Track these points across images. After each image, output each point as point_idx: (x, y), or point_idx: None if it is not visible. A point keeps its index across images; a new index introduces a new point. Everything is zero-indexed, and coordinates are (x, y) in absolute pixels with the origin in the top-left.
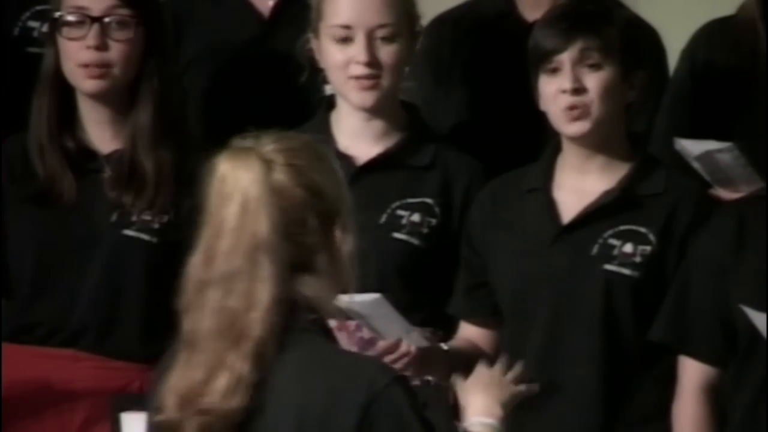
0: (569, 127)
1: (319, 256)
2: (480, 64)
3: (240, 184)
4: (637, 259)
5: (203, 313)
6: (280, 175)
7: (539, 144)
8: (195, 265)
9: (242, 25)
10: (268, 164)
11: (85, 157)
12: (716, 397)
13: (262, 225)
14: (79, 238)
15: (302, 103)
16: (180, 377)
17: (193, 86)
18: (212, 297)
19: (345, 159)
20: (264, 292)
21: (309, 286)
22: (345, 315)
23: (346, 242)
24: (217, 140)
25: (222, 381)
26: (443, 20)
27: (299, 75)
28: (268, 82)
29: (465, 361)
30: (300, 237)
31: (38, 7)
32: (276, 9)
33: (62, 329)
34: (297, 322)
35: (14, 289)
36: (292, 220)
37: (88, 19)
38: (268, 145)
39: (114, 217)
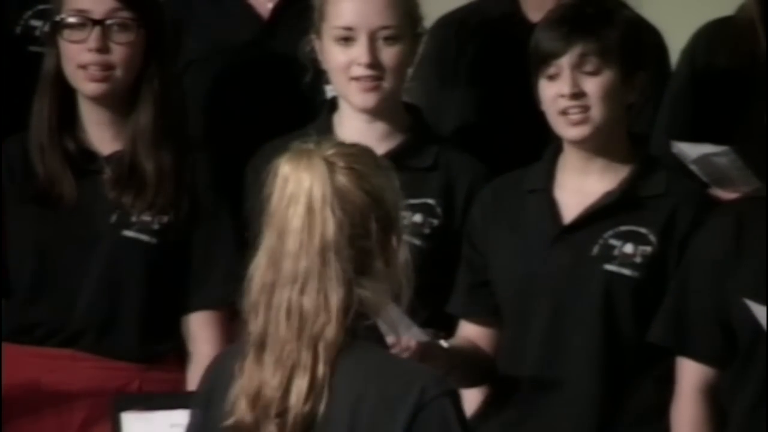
0: (568, 131)
1: (377, 262)
2: (484, 65)
3: (304, 185)
4: (638, 260)
5: (273, 314)
6: (343, 178)
7: (544, 144)
8: (259, 266)
9: (242, 27)
10: (330, 166)
11: (85, 158)
12: (715, 398)
13: (329, 225)
14: (78, 238)
15: (301, 105)
16: (251, 379)
17: (193, 88)
18: (283, 297)
19: None
20: (336, 294)
21: (367, 290)
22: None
23: (401, 251)
24: (217, 142)
25: (301, 383)
26: (448, 21)
27: (299, 77)
28: (268, 84)
29: (464, 360)
30: (360, 241)
31: (40, 7)
32: (275, 11)
33: (62, 329)
34: (358, 326)
35: (14, 290)
36: (354, 223)
37: (89, 21)
38: (329, 149)
39: (113, 218)
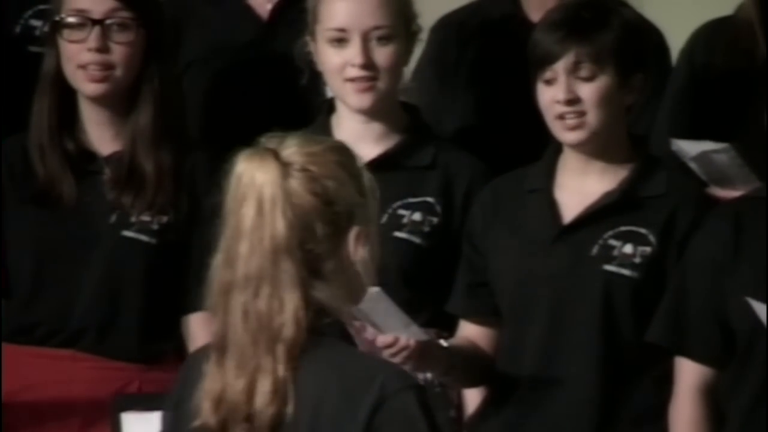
0: (565, 136)
1: (328, 264)
2: (485, 65)
3: (255, 184)
4: (637, 260)
5: (232, 316)
6: (294, 180)
7: (544, 144)
8: (217, 266)
9: (241, 28)
10: (284, 167)
11: (84, 159)
12: (713, 399)
13: (279, 227)
14: (78, 238)
15: (301, 106)
16: (213, 381)
17: (193, 88)
18: (239, 300)
19: None
20: (290, 295)
21: (321, 292)
22: (357, 320)
23: (359, 251)
24: (217, 142)
25: (265, 386)
26: (448, 22)
27: (298, 77)
28: (267, 85)
29: (464, 359)
30: (309, 244)
31: (40, 6)
32: (275, 12)
33: (62, 330)
34: (316, 325)
35: (14, 290)
36: (301, 226)
37: (89, 21)
38: (290, 147)
39: (113, 218)
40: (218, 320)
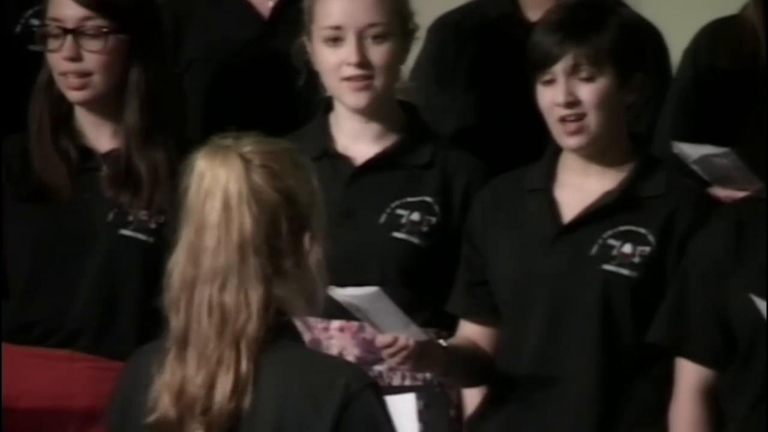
0: (566, 141)
1: (288, 262)
2: (484, 65)
3: (220, 180)
4: (636, 260)
5: (195, 311)
6: (257, 176)
7: (544, 144)
8: (179, 262)
9: (242, 26)
10: (246, 163)
11: (82, 156)
12: (713, 400)
13: (246, 222)
14: (75, 236)
15: (302, 104)
16: (173, 375)
17: (193, 87)
18: (204, 294)
19: (344, 159)
20: (256, 291)
21: (281, 290)
22: (312, 316)
23: (314, 252)
24: None
25: (226, 380)
26: (446, 22)
27: (298, 76)
28: (268, 83)
29: (463, 359)
30: (272, 240)
31: (40, 6)
32: (276, 10)
33: (59, 329)
34: (275, 323)
35: (11, 289)
36: (266, 220)
37: (62, 31)
38: (247, 146)
39: (111, 216)
40: (180, 314)
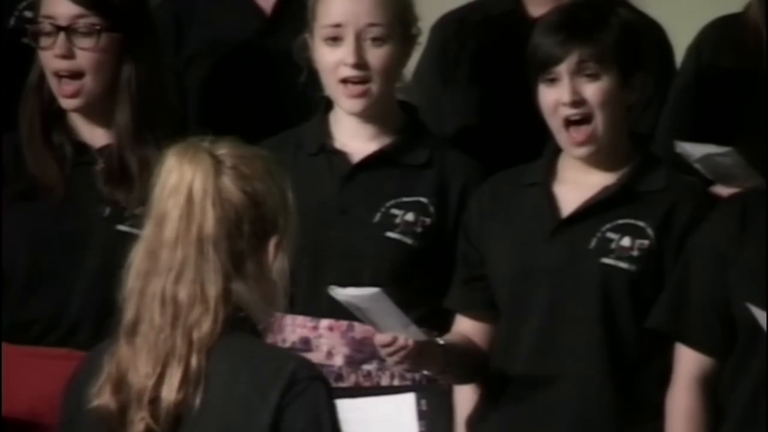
0: (574, 151)
1: (249, 264)
2: (486, 63)
3: (186, 177)
4: (635, 253)
5: (148, 302)
6: (225, 177)
7: (546, 142)
8: (137, 254)
9: (244, 23)
10: (217, 163)
11: (77, 150)
12: (710, 389)
13: (208, 217)
14: (72, 233)
15: (303, 101)
16: (118, 364)
17: (195, 83)
18: (158, 286)
19: (341, 156)
20: (213, 286)
21: (240, 288)
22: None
23: (278, 259)
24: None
25: (175, 372)
26: (449, 20)
27: (300, 73)
28: (270, 80)
29: (460, 356)
30: (233, 239)
31: None
32: (277, 7)
33: (57, 326)
34: (230, 318)
35: (8, 288)
36: (229, 219)
37: (55, 28)
38: (222, 148)
39: (107, 212)
40: (131, 305)
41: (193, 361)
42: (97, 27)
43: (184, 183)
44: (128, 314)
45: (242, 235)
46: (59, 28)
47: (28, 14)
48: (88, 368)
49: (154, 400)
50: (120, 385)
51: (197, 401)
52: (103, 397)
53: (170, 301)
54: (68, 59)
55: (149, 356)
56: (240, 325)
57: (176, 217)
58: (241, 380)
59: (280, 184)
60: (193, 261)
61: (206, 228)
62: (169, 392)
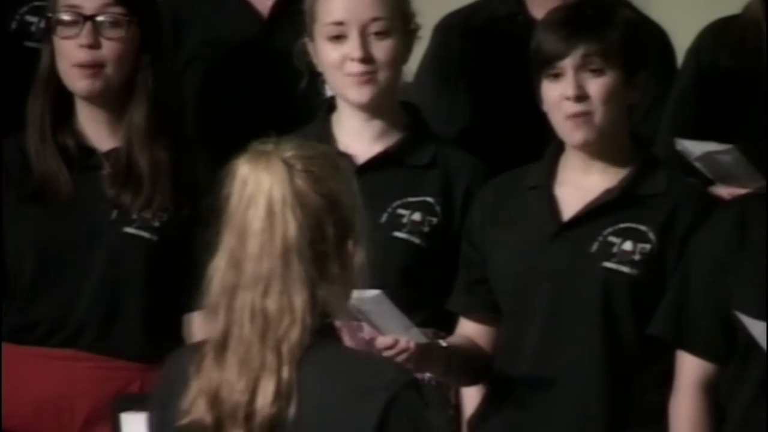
0: (573, 137)
1: (333, 266)
2: (489, 64)
3: (263, 186)
4: (636, 257)
5: (237, 317)
6: (300, 181)
7: (547, 144)
8: (219, 268)
9: (241, 25)
10: (289, 168)
11: (83, 155)
12: (713, 394)
13: (290, 227)
14: (79, 235)
15: (301, 103)
16: (210, 380)
17: (192, 86)
18: (246, 300)
19: (345, 158)
20: (299, 295)
21: (325, 293)
22: (353, 319)
23: (357, 255)
24: (216, 140)
25: (268, 386)
26: (451, 21)
27: (299, 75)
28: (267, 82)
29: (462, 358)
30: (318, 245)
31: (35, 2)
32: (275, 9)
33: (62, 328)
34: (318, 326)
35: (14, 289)
36: (311, 225)
37: (81, 17)
38: (288, 150)
39: (114, 214)
40: (220, 320)
41: (285, 374)
42: (126, 17)
43: (261, 193)
44: (217, 328)
45: (326, 239)
46: (85, 18)
47: (30, 18)
48: (172, 383)
49: (249, 416)
50: (215, 400)
51: (291, 414)
52: (197, 412)
53: (259, 314)
54: (93, 49)
55: (241, 371)
56: (327, 332)
57: (258, 229)
58: (336, 391)
59: (348, 179)
60: (279, 273)
61: (289, 237)
62: (263, 407)
